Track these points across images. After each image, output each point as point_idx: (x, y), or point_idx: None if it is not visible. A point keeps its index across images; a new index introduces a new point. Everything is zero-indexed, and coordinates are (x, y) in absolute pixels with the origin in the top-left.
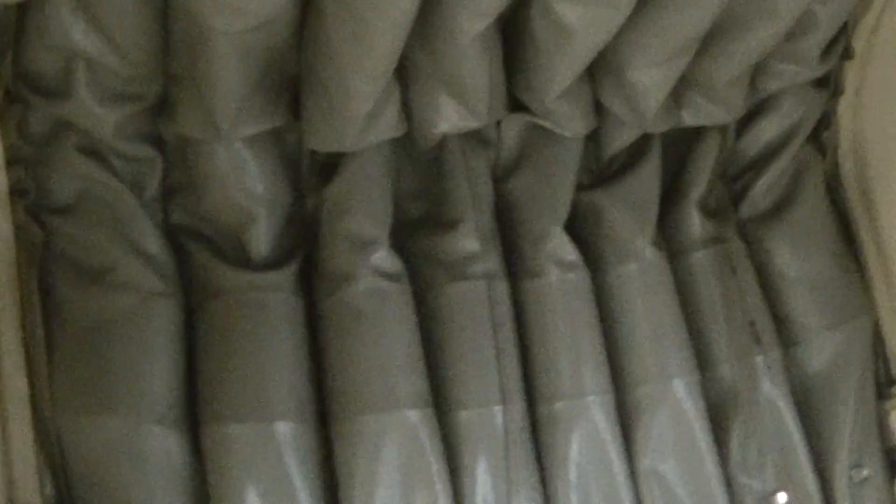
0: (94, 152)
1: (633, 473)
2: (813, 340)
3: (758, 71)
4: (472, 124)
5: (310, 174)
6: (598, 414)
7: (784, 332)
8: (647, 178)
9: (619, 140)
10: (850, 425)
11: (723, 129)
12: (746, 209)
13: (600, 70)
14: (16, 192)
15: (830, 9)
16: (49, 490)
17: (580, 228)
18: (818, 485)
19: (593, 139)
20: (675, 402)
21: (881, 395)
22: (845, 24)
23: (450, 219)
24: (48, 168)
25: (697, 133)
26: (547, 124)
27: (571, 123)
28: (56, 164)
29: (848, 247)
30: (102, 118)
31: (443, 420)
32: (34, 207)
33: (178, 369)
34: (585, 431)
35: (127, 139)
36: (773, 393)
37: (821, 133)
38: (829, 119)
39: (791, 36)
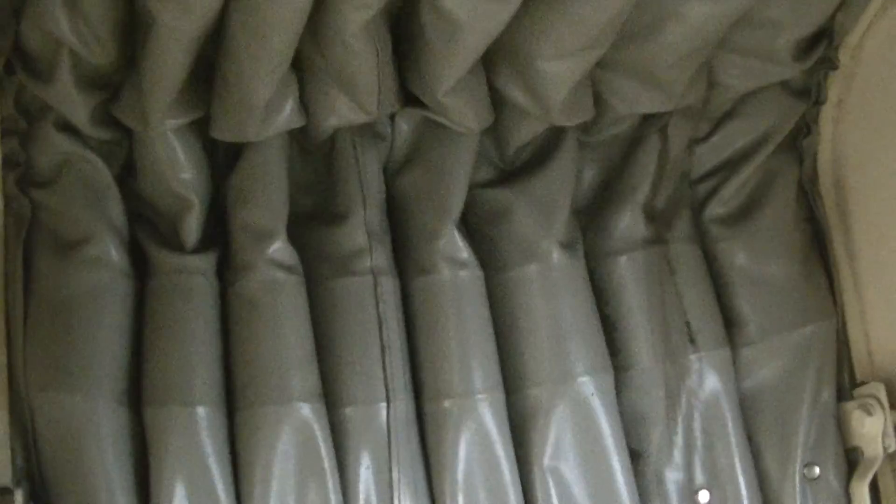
0: (71, 129)
1: (525, 473)
2: (769, 341)
3: (719, 64)
4: (362, 118)
5: (224, 164)
6: (486, 413)
7: (741, 332)
8: (558, 177)
9: (522, 134)
10: (804, 425)
11: (662, 130)
12: (712, 210)
13: (501, 61)
14: (8, 164)
15: (786, 9)
16: (19, 461)
17: (484, 226)
18: (752, 484)
19: (495, 133)
20: (578, 400)
21: (842, 396)
22: (826, 31)
23: (339, 213)
24: (34, 142)
25: (637, 134)
26: (440, 119)
27: (465, 118)
28: (40, 139)
29: (816, 252)
30: (79, 104)
31: (329, 415)
32: (22, 180)
33: (133, 349)
34: (474, 430)
35: (100, 124)
36: (710, 392)
37: (800, 140)
38: (808, 126)
39: (750, 31)
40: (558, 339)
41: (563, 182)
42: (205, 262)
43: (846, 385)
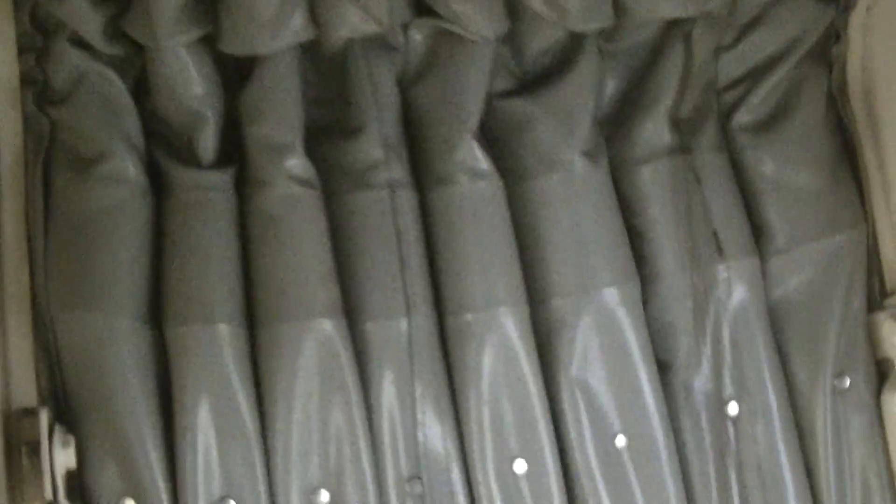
0: (86, 45)
1: (551, 385)
2: (800, 250)
3: None
4: (373, 28)
5: (236, 79)
6: (509, 325)
7: (770, 241)
8: (579, 85)
9: (539, 41)
10: (835, 335)
11: (686, 38)
12: (739, 118)
13: None
14: (26, 82)
15: None
16: (43, 382)
17: (504, 136)
18: (781, 395)
19: (513, 42)
20: (604, 311)
21: (873, 306)
22: None
23: (353, 126)
24: (50, 58)
25: (661, 42)
26: (454, 28)
27: (478, 26)
28: (56, 55)
29: (846, 160)
30: (91, 19)
31: (350, 331)
32: (40, 98)
33: (154, 267)
34: (497, 343)
35: (112, 39)
36: (738, 303)
37: (829, 47)
38: (838, 34)
39: None
40: (582, 249)
41: (584, 91)
42: (221, 178)
43: (876, 295)
